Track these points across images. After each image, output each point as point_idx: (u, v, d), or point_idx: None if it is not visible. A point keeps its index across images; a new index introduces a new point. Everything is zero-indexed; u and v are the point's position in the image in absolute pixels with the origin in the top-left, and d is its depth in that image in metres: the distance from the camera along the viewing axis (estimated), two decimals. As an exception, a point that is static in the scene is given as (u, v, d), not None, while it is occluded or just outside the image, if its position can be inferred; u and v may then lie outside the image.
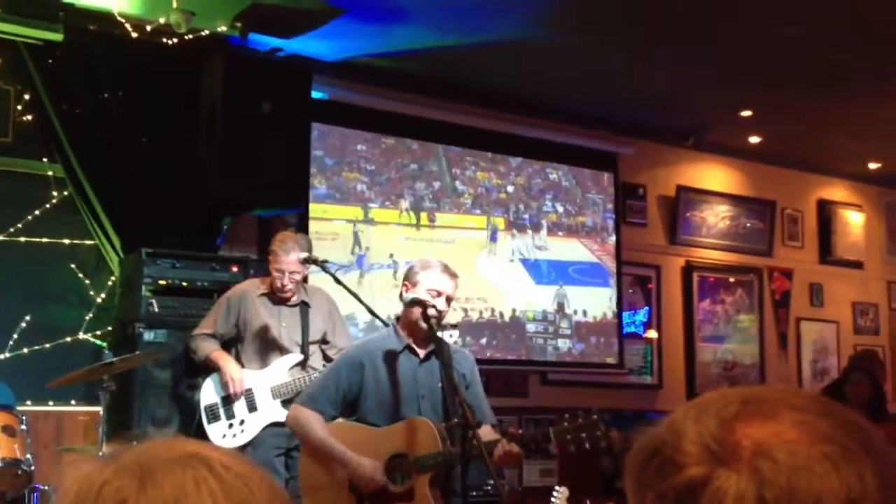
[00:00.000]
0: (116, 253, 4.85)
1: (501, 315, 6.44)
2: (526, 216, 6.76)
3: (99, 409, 3.97)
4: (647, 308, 6.98)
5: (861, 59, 5.43)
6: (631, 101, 6.32)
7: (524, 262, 6.65)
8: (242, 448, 4.20)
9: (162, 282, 4.58)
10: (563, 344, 6.53)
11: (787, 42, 5.20)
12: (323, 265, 4.07)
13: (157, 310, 4.54)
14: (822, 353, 7.67)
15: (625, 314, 6.80)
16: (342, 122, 5.79)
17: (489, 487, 4.76)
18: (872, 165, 7.77)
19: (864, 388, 5.83)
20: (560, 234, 6.80)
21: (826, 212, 7.89)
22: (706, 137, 6.97)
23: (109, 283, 5.01)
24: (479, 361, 5.81)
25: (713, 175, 7.40)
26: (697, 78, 5.84)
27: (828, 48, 5.26)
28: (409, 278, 3.32)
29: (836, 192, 8.03)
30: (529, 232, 6.69)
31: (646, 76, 5.82)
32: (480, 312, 6.29)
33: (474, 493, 4.77)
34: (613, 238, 6.87)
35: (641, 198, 7.04)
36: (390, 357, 3.28)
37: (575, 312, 6.70)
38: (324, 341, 4.41)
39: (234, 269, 4.78)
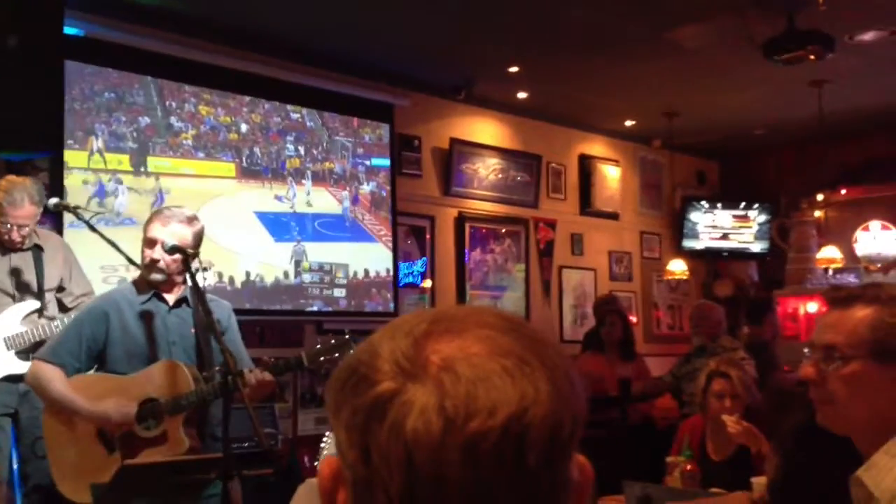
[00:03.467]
0: None
1: (232, 280, 5.79)
2: (263, 161, 6.04)
3: None
4: (424, 258, 7.15)
5: (614, 21, 5.77)
6: (406, 53, 6.36)
7: (261, 215, 6.00)
8: None
9: None
10: (339, 293, 6.48)
11: (550, 1, 5.43)
12: (75, 212, 3.82)
13: None
14: (582, 298, 8.20)
15: (403, 265, 6.92)
16: (99, 61, 5.35)
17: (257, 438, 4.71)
18: (628, 123, 8.33)
19: (617, 330, 6.36)
20: (304, 182, 6.29)
21: (586, 166, 8.37)
22: (478, 92, 7.18)
23: None
24: (253, 312, 5.80)
25: (485, 129, 7.64)
26: (469, 32, 5.97)
27: (585, 8, 5.54)
28: None
29: (596, 147, 8.53)
30: (267, 180, 6.04)
31: (420, 28, 5.88)
32: (204, 279, 5.42)
33: (246, 445, 4.72)
34: (365, 186, 6.65)
35: (417, 149, 7.15)
36: (136, 305, 3.19)
37: (324, 267, 6.20)
38: (60, 288, 4.15)
39: (-23, 218, 4.38)
